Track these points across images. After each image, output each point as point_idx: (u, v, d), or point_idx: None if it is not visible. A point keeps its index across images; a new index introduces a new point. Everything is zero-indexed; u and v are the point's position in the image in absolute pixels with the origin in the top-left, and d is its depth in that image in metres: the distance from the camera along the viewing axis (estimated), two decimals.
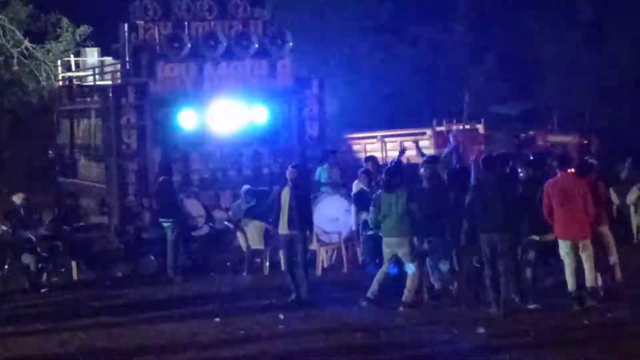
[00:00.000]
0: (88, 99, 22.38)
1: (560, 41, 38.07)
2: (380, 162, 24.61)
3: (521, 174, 14.57)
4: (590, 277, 12.94)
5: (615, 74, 36.66)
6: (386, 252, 13.57)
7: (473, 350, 10.96)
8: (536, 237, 13.19)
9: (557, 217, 12.95)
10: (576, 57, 37.61)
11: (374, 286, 13.51)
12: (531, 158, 15.37)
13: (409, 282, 13.28)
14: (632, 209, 18.50)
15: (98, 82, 23.14)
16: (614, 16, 36.50)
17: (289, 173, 14.61)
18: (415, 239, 13.33)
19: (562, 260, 13.10)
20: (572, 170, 13.46)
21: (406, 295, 13.28)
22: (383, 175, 13.89)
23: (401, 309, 13.20)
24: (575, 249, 12.96)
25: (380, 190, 13.71)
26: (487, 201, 12.90)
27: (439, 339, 11.61)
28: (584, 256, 12.96)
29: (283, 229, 14.41)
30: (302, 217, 14.42)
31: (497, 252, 12.86)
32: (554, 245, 13.15)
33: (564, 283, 13.14)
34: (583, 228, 12.98)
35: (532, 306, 12.92)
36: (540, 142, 28.81)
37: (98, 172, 21.30)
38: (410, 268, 13.02)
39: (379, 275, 13.55)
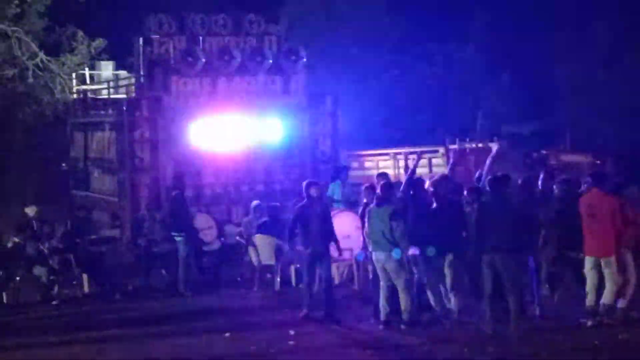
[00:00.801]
0: (102, 112, 22.45)
1: (574, 61, 38.05)
2: (393, 179, 24.70)
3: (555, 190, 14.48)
4: (609, 296, 12.97)
5: (629, 95, 36.58)
6: (377, 266, 13.59)
7: None
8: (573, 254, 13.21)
9: (585, 233, 13.11)
10: (591, 77, 37.56)
11: (385, 307, 13.48)
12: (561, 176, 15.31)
13: (402, 301, 13.26)
14: None
15: (112, 96, 23.24)
16: (630, 36, 36.45)
17: (314, 190, 14.64)
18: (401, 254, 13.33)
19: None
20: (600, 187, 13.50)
21: (404, 315, 13.27)
22: (378, 191, 13.93)
23: (402, 327, 13.20)
24: (598, 266, 13.05)
25: (372, 205, 13.75)
26: (491, 221, 12.91)
27: (450, 357, 11.57)
28: (606, 273, 13.02)
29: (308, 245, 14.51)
30: (328, 233, 14.67)
31: (498, 272, 12.79)
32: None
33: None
34: (606, 245, 13.02)
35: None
36: (552, 162, 28.76)
37: (111, 185, 21.35)
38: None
39: (382, 294, 13.51)
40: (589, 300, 13.02)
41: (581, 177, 16.18)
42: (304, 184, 15.05)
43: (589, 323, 12.80)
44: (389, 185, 13.96)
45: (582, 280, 13.41)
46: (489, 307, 12.82)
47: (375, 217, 13.52)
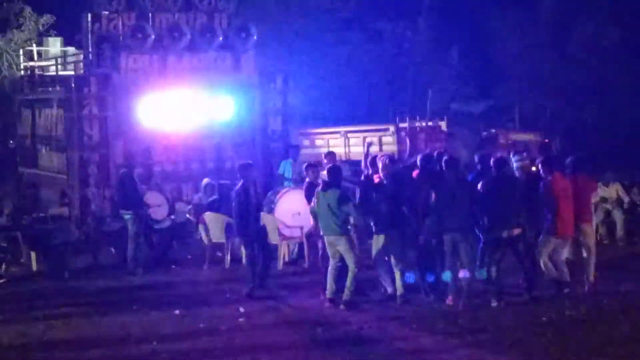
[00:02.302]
0: (50, 89, 22.22)
1: (523, 40, 38.29)
2: (344, 158, 24.79)
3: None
4: (590, 271, 13.62)
5: (577, 74, 36.92)
6: (328, 248, 13.66)
7: (431, 345, 11.00)
8: (505, 233, 13.31)
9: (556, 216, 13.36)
10: (539, 55, 37.83)
11: (332, 286, 13.54)
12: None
13: (348, 280, 13.33)
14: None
15: (60, 72, 22.99)
16: (577, 16, 36.75)
17: (248, 171, 14.76)
18: (350, 237, 13.47)
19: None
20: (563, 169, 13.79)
21: (345, 293, 13.33)
22: (325, 174, 13.98)
23: (341, 307, 13.26)
24: (565, 245, 13.48)
25: (318, 189, 13.78)
26: (450, 201, 13.06)
27: (398, 335, 11.64)
28: (568, 252, 13.56)
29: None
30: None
31: (458, 249, 13.05)
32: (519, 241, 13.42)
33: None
34: (573, 224, 13.48)
35: (494, 304, 13.05)
36: (502, 140, 28.98)
37: (59, 162, 21.14)
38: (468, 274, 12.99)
39: (330, 273, 13.57)
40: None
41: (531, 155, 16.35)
42: (238, 167, 15.16)
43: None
44: (335, 168, 13.95)
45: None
46: (453, 283, 13.04)
47: (322, 201, 13.53)
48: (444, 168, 13.49)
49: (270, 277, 15.14)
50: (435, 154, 14.89)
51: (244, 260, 15.84)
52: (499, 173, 13.50)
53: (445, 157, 13.73)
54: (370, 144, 14.99)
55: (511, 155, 14.99)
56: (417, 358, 10.49)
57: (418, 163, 14.27)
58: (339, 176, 13.78)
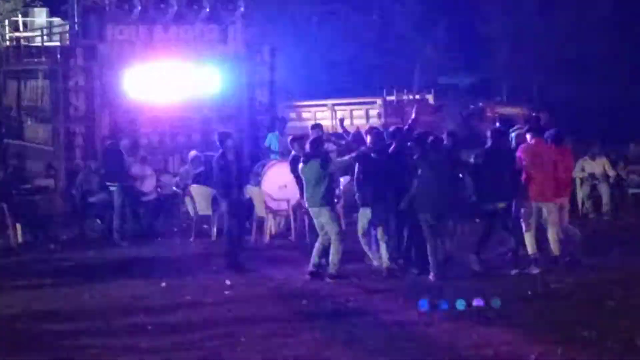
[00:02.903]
0: (36, 60, 22.15)
1: (511, 13, 38.26)
2: (331, 130, 24.76)
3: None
4: (555, 246, 13.57)
5: (564, 48, 36.93)
6: (315, 222, 13.66)
7: (415, 318, 11.02)
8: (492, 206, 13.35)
9: (530, 181, 13.45)
10: (527, 30, 37.82)
11: (315, 259, 13.55)
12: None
13: (332, 254, 13.33)
14: (578, 182, 18.73)
15: (46, 43, 22.89)
16: None
17: (229, 141, 14.75)
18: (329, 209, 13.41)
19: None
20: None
21: (331, 267, 13.34)
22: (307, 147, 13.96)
23: (327, 280, 13.26)
24: (540, 214, 13.52)
25: (300, 163, 13.78)
26: (430, 182, 13.10)
27: (383, 308, 11.66)
28: (549, 220, 13.55)
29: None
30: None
31: (437, 222, 13.14)
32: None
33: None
34: (552, 192, 13.57)
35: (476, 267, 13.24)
36: (488, 114, 29.03)
37: (45, 134, 21.10)
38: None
39: (317, 246, 13.57)
40: (530, 248, 13.46)
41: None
42: (217, 135, 15.12)
43: (534, 271, 13.16)
44: (315, 140, 13.91)
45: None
46: (433, 257, 13.10)
47: (306, 173, 13.55)
48: (428, 148, 13.46)
49: (254, 250, 15.12)
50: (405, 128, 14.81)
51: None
52: (495, 145, 13.55)
53: (430, 138, 13.68)
54: (342, 119, 14.91)
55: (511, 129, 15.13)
56: (401, 331, 10.50)
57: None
58: (320, 147, 13.73)
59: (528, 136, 13.97)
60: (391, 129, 14.82)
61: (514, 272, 13.30)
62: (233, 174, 14.67)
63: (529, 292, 12.17)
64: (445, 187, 13.16)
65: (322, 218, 13.42)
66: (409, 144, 13.74)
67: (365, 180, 13.55)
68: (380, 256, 13.56)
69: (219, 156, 14.77)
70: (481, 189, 13.67)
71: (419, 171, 13.25)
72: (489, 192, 13.42)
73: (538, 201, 13.50)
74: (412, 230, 13.63)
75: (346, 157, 13.79)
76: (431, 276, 13.07)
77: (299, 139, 15.10)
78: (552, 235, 13.57)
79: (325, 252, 13.46)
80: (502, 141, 13.89)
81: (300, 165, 13.68)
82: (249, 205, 16.73)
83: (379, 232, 13.54)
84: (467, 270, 13.36)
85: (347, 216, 15.31)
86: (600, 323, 10.44)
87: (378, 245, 13.62)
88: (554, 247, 13.58)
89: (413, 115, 14.94)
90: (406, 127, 14.61)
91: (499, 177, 13.36)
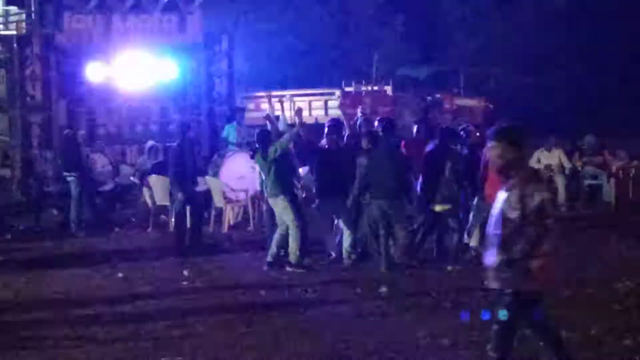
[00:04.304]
0: None
1: (468, 4, 38.42)
2: (289, 121, 24.69)
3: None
4: None
5: (522, 39, 37.18)
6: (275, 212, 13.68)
7: (372, 309, 11.07)
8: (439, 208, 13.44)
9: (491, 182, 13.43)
10: (484, 20, 38.01)
11: (272, 249, 13.56)
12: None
13: (290, 243, 13.34)
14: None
15: (2, 32, 22.63)
16: None
17: (189, 131, 14.78)
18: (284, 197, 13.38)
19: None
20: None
21: (291, 257, 13.35)
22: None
23: (288, 269, 13.28)
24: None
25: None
26: (379, 169, 13.13)
27: (341, 298, 11.71)
28: None
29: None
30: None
31: (386, 217, 13.16)
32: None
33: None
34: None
35: (449, 268, 13.24)
36: (447, 105, 29.15)
37: (1, 123, 20.88)
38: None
39: (275, 236, 13.57)
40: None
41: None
42: (178, 125, 15.17)
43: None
44: (262, 132, 13.88)
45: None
46: (384, 249, 13.16)
47: (259, 165, 13.63)
48: (380, 134, 13.58)
49: (212, 240, 15.14)
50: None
51: (188, 224, 15.87)
52: (441, 144, 13.64)
53: (382, 124, 13.80)
54: (300, 110, 14.94)
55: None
56: (359, 322, 10.55)
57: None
58: (264, 138, 13.65)
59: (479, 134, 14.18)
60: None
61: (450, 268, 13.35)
62: (189, 165, 14.67)
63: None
64: (394, 173, 13.15)
65: (277, 208, 13.42)
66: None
67: (319, 173, 13.63)
68: (339, 246, 13.62)
69: (175, 147, 14.77)
70: (423, 189, 13.75)
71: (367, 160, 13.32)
72: (431, 193, 13.50)
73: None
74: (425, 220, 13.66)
75: (286, 135, 13.70)
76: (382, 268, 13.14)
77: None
78: None
79: (284, 241, 13.47)
80: (447, 141, 13.89)
81: (257, 158, 13.72)
82: (207, 196, 16.71)
83: (341, 222, 13.59)
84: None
85: (305, 206, 15.33)
86: (555, 312, 10.54)
87: (341, 236, 13.68)
88: None
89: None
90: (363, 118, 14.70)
91: (438, 179, 13.38)
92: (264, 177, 13.56)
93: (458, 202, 13.61)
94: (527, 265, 7.08)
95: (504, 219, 7.12)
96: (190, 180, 14.85)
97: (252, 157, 13.70)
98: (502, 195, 7.24)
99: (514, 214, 7.07)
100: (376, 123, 14.37)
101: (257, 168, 15.00)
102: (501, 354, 7.21)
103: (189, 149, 14.76)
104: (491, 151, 7.34)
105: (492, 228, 7.25)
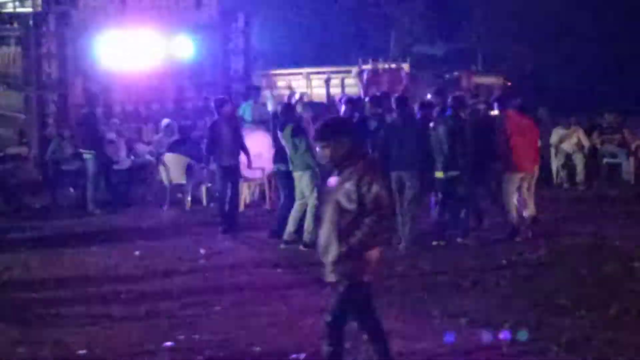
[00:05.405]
0: (7, 26, 21.83)
1: None
2: (306, 99, 24.62)
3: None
4: (533, 208, 13.97)
5: (543, 18, 36.91)
6: (296, 184, 13.59)
7: (389, 286, 11.01)
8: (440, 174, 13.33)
9: (513, 152, 13.56)
10: None
11: (290, 227, 13.48)
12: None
13: (307, 221, 13.25)
14: (552, 151, 18.78)
15: (18, 9, 22.58)
16: None
17: (226, 107, 14.73)
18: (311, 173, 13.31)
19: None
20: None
21: (305, 235, 13.26)
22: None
23: (301, 247, 13.19)
24: (521, 182, 13.73)
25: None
26: (397, 140, 13.07)
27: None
28: (526, 189, 13.85)
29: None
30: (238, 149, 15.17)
31: (404, 189, 13.10)
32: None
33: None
34: (534, 162, 14.00)
35: (460, 240, 13.31)
36: (464, 83, 28.99)
37: (17, 101, 20.88)
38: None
39: (292, 214, 13.49)
40: (513, 217, 13.62)
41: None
42: (214, 100, 15.05)
43: (518, 239, 13.38)
44: (286, 106, 13.95)
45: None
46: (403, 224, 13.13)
47: (283, 139, 13.52)
48: (393, 107, 13.59)
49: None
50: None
51: (204, 202, 15.77)
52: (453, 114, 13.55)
53: (395, 96, 13.82)
54: (293, 93, 14.82)
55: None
56: (375, 301, 10.49)
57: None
58: (291, 112, 13.71)
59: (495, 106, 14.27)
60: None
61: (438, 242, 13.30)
62: (227, 140, 14.56)
63: (504, 261, 12.20)
64: (414, 144, 13.07)
65: (302, 182, 13.33)
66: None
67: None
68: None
69: (213, 123, 14.71)
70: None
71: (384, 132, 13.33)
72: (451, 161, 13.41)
73: (522, 171, 13.66)
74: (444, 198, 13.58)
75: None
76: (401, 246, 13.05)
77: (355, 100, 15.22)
78: (531, 202, 13.89)
79: (301, 220, 13.39)
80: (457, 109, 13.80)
81: (279, 133, 13.65)
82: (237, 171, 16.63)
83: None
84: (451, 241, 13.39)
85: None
86: (574, 292, 10.46)
87: None
88: (532, 209, 13.92)
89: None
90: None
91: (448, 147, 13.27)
92: (290, 152, 13.41)
93: (467, 170, 13.45)
94: (362, 256, 7.03)
95: (340, 209, 7.01)
96: (231, 154, 14.70)
97: (281, 128, 13.58)
98: (335, 185, 7.10)
99: (351, 205, 6.98)
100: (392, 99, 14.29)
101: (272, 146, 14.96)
102: (334, 345, 7.16)
103: (226, 124, 14.65)
104: (322, 152, 7.16)
105: (328, 216, 7.12)
